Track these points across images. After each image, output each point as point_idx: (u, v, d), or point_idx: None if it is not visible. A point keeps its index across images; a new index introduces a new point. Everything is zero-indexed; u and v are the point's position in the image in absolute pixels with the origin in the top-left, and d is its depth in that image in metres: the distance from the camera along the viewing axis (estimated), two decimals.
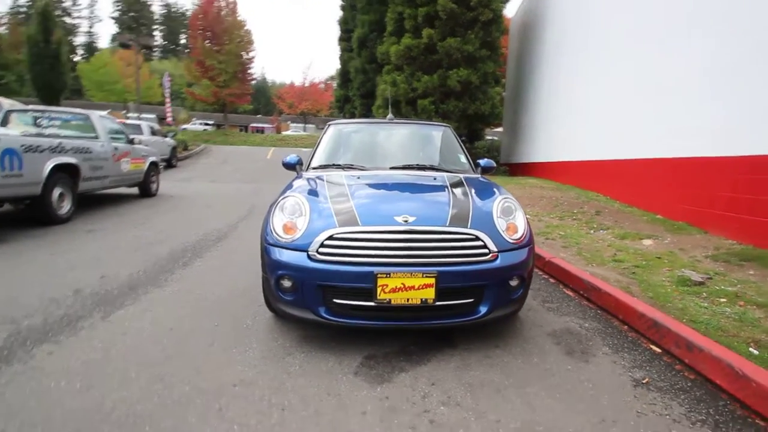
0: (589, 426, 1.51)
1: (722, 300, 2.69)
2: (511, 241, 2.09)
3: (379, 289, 1.89)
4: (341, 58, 18.91)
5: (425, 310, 1.97)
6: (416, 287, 1.90)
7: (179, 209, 6.39)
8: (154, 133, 12.17)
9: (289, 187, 2.52)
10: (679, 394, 1.72)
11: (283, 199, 2.25)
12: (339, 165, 2.95)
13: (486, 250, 2.01)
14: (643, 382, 1.81)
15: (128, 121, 12.65)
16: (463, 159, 3.12)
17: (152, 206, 6.59)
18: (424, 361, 1.97)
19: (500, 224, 2.12)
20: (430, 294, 1.91)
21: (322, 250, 1.97)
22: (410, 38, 11.08)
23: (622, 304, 2.48)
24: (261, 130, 42.60)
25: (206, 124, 35.92)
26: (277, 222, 2.15)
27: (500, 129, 16.65)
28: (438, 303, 1.92)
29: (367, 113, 14.80)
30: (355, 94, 15.69)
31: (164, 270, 3.36)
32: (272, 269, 2.08)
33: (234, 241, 4.42)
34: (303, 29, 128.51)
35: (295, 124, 44.22)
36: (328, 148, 3.18)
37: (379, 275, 1.88)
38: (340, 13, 19.10)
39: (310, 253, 1.98)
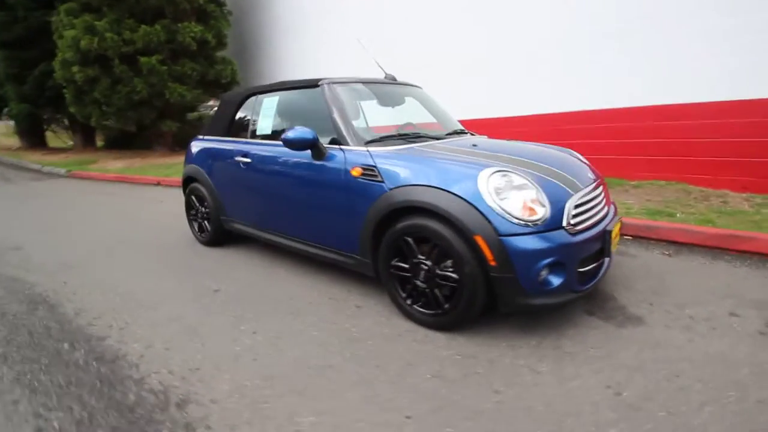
0: (752, 289, 2.31)
1: None
2: None
3: (610, 244, 1.96)
4: None
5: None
6: (617, 233, 2.10)
7: None
8: None
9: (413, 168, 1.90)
10: (706, 257, 2.85)
11: (492, 174, 1.76)
12: (406, 135, 2.34)
13: None
14: (703, 262, 2.84)
15: None
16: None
17: None
18: (613, 297, 2.24)
19: None
20: (618, 236, 2.16)
21: (572, 221, 1.78)
22: None
23: None
24: None
25: None
26: (513, 204, 1.69)
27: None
28: None
29: (24, 71, 9.53)
30: None
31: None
32: (532, 261, 1.67)
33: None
34: None
35: None
36: (353, 113, 2.37)
37: (610, 231, 1.95)
38: None
39: (567, 228, 1.74)
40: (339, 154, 2.22)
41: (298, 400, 1.51)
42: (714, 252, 2.83)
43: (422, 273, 1.91)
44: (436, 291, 1.89)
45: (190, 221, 3.63)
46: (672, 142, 4.50)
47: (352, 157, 2.15)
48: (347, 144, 2.24)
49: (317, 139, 2.23)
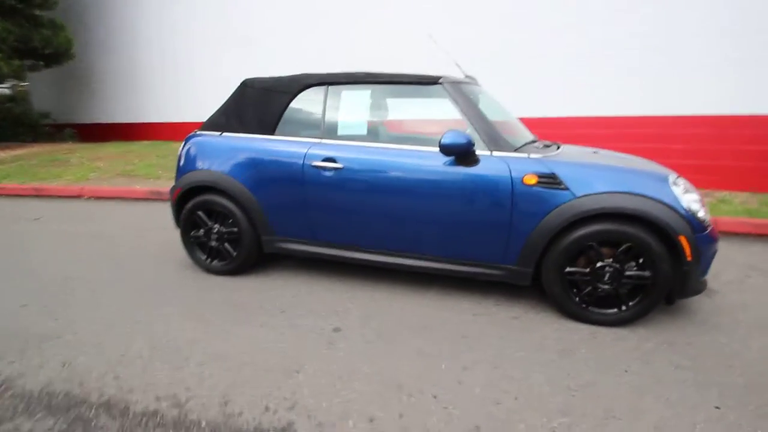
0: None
1: None
2: None
3: None
4: None
5: None
6: None
7: None
8: None
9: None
10: None
11: (675, 179, 2.02)
12: (541, 140, 2.32)
13: None
14: None
15: None
16: None
17: None
18: None
19: None
20: None
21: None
22: None
23: None
24: None
25: None
26: (694, 206, 1.95)
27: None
28: None
29: None
30: None
31: None
32: (710, 253, 2.02)
33: None
34: None
35: None
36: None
37: None
38: None
39: (707, 224, 2.11)
40: (497, 161, 2.08)
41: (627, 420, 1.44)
42: None
43: (607, 275, 2.01)
44: (621, 290, 2.03)
45: (190, 245, 2.71)
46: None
47: (519, 164, 2.06)
48: (496, 150, 2.12)
49: (473, 145, 2.04)
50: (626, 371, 1.74)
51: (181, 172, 2.68)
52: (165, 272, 2.77)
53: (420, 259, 2.32)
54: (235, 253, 2.62)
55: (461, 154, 2.05)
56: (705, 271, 2.05)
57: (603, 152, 2.50)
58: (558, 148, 2.40)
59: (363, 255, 2.41)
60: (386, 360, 1.80)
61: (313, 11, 6.77)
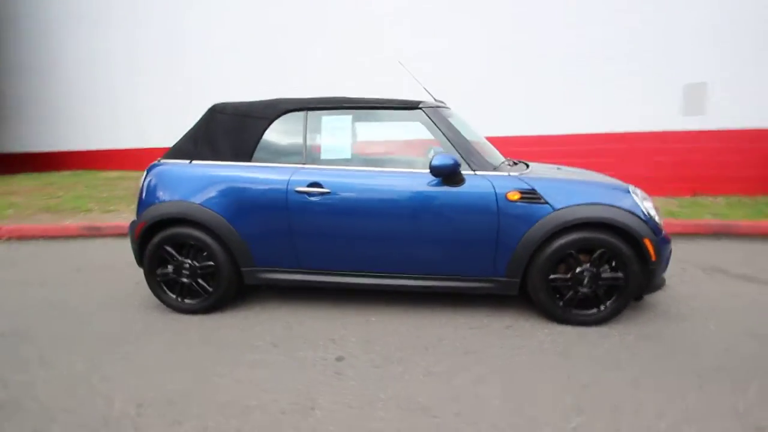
0: None
1: None
2: None
3: None
4: None
5: None
6: None
7: None
8: None
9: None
10: None
11: (634, 189, 2.26)
12: (508, 159, 2.45)
13: None
14: None
15: None
16: None
17: None
18: None
19: None
20: None
21: None
22: None
23: None
24: None
25: None
26: (653, 212, 2.20)
27: None
28: None
29: None
30: None
31: None
32: (668, 253, 2.28)
33: None
34: None
35: None
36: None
37: None
38: None
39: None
40: (481, 180, 2.19)
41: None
42: None
43: (586, 279, 2.19)
44: (599, 291, 2.21)
45: (156, 284, 2.47)
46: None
47: (501, 181, 2.18)
48: (479, 169, 2.24)
49: (459, 165, 2.14)
50: (618, 366, 1.89)
51: (143, 204, 2.46)
52: (126, 317, 2.49)
53: (412, 278, 2.34)
54: (211, 289, 2.44)
55: (449, 174, 2.13)
56: (664, 269, 2.31)
57: (565, 168, 2.75)
58: (527, 166, 2.59)
59: (352, 279, 2.37)
60: (399, 383, 1.78)
61: (264, 34, 6.67)
